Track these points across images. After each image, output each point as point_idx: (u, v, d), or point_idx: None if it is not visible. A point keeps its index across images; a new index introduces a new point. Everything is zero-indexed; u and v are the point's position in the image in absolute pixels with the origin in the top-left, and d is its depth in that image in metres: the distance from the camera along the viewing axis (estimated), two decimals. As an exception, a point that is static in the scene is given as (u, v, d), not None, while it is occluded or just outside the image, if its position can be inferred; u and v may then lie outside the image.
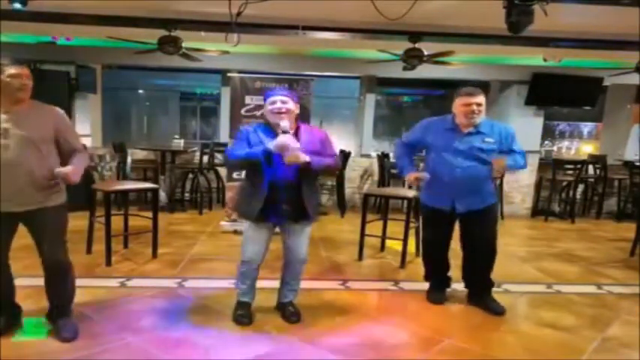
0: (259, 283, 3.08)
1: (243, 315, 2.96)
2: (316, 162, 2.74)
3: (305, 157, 2.67)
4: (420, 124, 3.38)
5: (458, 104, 3.13)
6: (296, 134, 2.81)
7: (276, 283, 3.25)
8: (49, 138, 2.52)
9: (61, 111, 2.63)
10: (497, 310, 3.24)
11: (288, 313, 3.02)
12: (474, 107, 3.07)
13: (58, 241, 2.60)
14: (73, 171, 2.46)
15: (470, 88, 3.16)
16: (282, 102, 2.79)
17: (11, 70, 2.44)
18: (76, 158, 2.59)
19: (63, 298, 2.72)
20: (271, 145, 2.67)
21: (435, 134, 3.23)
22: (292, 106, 2.82)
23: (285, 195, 2.80)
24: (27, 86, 2.48)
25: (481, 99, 3.11)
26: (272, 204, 2.81)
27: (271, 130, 2.82)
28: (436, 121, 3.33)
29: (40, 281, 2.67)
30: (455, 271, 3.50)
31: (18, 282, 2.75)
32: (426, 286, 3.69)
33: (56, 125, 2.55)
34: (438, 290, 3.48)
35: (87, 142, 6.16)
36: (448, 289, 3.52)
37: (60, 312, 2.70)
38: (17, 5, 3.74)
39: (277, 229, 3.01)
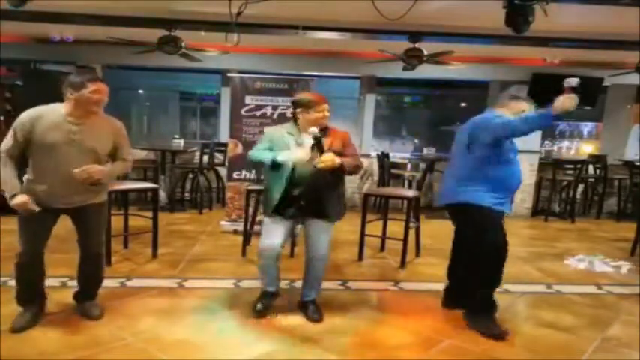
0: (255, 284, 3.07)
1: (260, 308, 3.03)
2: (347, 165, 2.87)
3: (338, 160, 2.80)
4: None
5: None
6: (325, 135, 2.95)
7: (279, 284, 3.24)
8: (108, 149, 2.75)
9: (120, 124, 2.85)
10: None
11: (310, 311, 3.05)
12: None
13: (98, 235, 2.87)
14: (99, 170, 2.63)
15: None
16: (328, 111, 3.01)
17: (92, 85, 2.57)
18: (115, 163, 2.81)
19: (94, 283, 2.98)
20: (282, 157, 2.83)
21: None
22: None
23: (303, 192, 2.92)
24: (103, 101, 2.64)
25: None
26: (291, 200, 2.93)
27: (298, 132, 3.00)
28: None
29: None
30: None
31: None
32: (426, 286, 3.73)
33: (116, 137, 2.79)
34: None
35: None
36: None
37: (88, 295, 2.97)
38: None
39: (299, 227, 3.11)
